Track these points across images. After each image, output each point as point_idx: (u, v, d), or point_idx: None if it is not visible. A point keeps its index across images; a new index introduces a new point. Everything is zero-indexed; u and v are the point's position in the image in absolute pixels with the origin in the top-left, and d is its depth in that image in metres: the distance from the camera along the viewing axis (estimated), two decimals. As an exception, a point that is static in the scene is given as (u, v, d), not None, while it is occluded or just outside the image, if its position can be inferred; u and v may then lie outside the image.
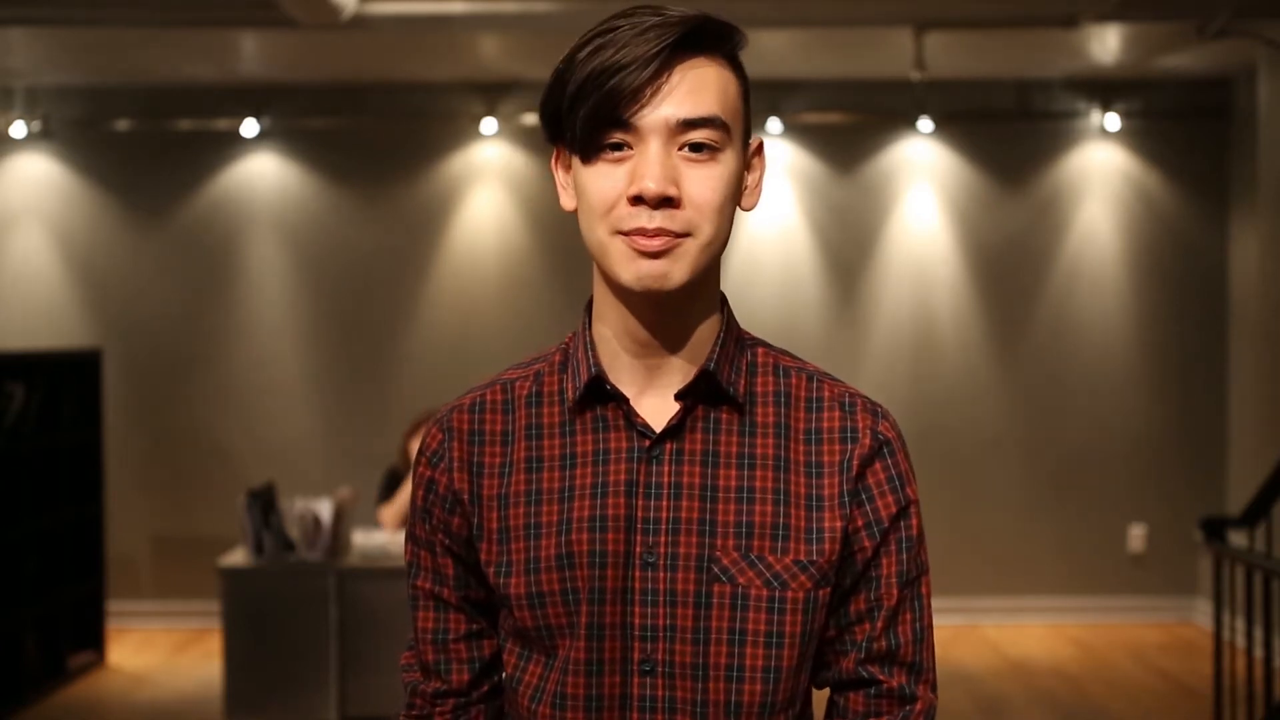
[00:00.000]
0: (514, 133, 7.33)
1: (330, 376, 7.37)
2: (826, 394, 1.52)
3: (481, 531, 1.50)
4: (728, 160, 1.45)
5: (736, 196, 1.53)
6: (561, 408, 1.50)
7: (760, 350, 1.56)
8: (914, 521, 1.55)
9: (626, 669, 1.44)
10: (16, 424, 6.03)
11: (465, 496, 1.50)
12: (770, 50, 6.62)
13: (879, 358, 7.35)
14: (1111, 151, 7.34)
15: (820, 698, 1.55)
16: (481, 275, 7.36)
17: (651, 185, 1.39)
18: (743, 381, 1.50)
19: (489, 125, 7.25)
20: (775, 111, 7.25)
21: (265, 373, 7.36)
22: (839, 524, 1.48)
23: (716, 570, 1.44)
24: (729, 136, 1.44)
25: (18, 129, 7.25)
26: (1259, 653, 4.72)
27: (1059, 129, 7.34)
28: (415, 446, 6.12)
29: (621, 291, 1.45)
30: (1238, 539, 4.81)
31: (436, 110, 7.33)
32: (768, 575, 1.44)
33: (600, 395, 1.47)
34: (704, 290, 1.50)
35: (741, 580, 1.44)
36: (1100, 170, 7.35)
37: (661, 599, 1.44)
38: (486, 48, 6.55)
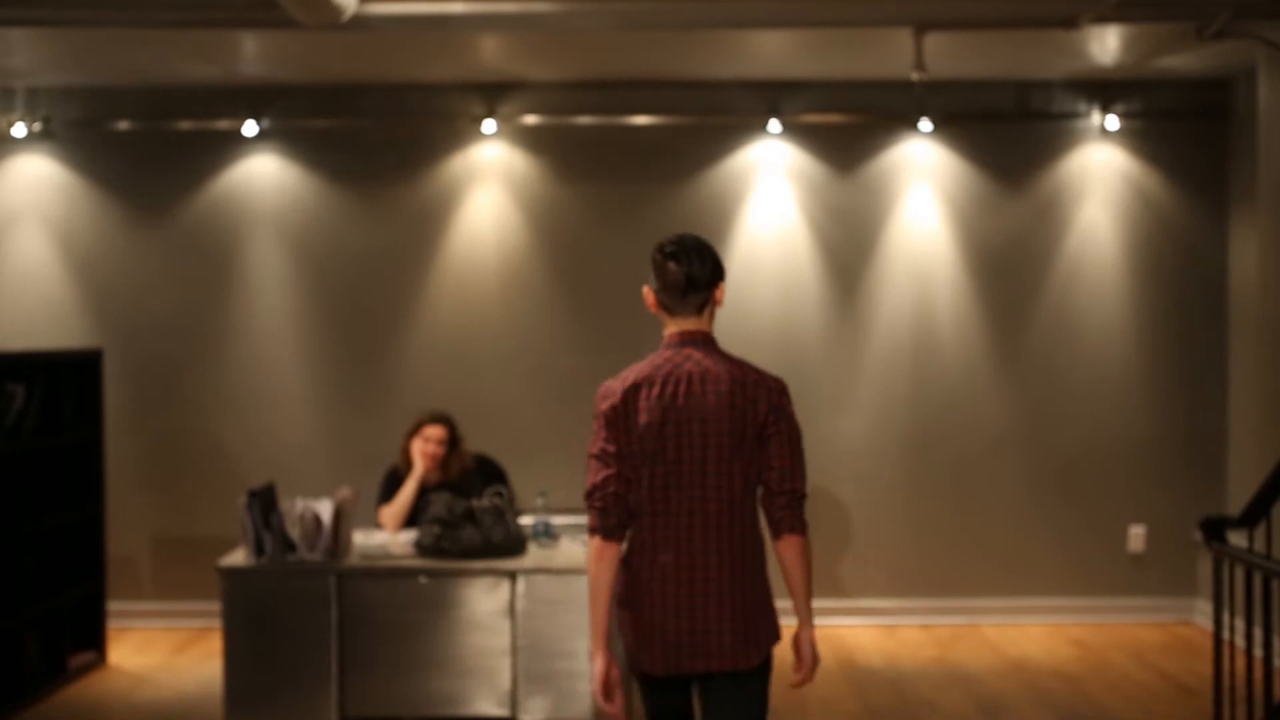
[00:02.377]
0: (514, 133, 7.34)
1: (330, 376, 7.37)
2: None
3: None
4: None
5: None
6: None
7: None
8: None
9: None
10: (17, 424, 6.03)
11: None
12: (770, 50, 6.62)
13: (879, 358, 7.35)
14: (1111, 152, 7.34)
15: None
16: (481, 275, 7.36)
17: None
18: None
19: (489, 125, 7.25)
20: (775, 111, 7.25)
21: (265, 373, 7.36)
22: None
23: None
24: None
25: (19, 129, 7.26)
26: (1259, 653, 4.73)
27: (1059, 129, 7.34)
28: (416, 446, 6.13)
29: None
30: (1237, 539, 4.80)
31: (436, 110, 7.33)
32: None
33: None
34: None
35: None
36: (1100, 171, 7.35)
37: None
38: (486, 48, 6.56)
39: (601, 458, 3.26)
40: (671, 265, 3.30)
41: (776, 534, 3.25)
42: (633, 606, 3.29)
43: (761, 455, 3.25)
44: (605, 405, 3.27)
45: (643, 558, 3.26)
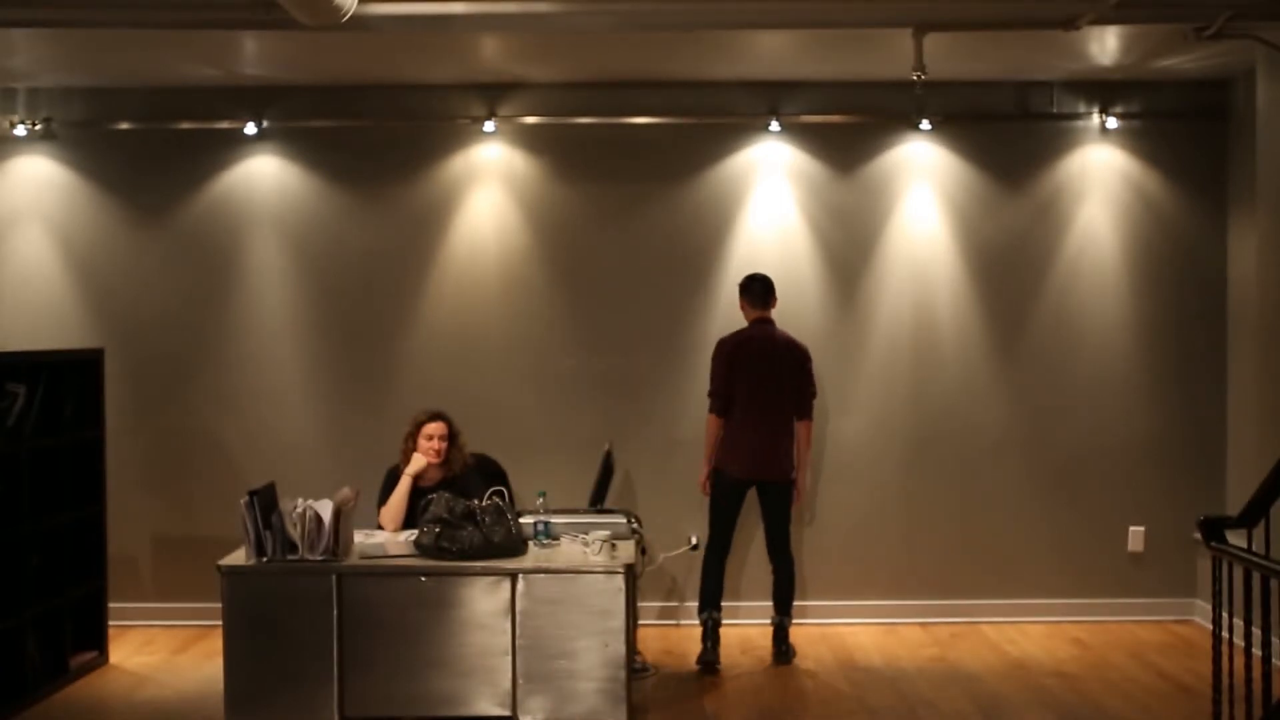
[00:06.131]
0: (514, 133, 7.34)
1: (331, 377, 7.38)
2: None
3: None
4: None
5: None
6: None
7: None
8: None
9: None
10: (18, 424, 6.04)
11: None
12: (770, 50, 6.63)
13: (879, 358, 7.36)
14: (1111, 152, 7.35)
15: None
16: (481, 275, 7.37)
17: None
18: None
19: (489, 125, 7.26)
20: (775, 112, 7.26)
21: (266, 373, 7.37)
22: None
23: None
24: None
25: (20, 130, 7.27)
26: (1258, 652, 4.73)
27: (1058, 130, 7.35)
28: (420, 447, 6.15)
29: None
30: (1236, 539, 4.81)
31: (436, 110, 7.34)
32: None
33: None
34: None
35: None
36: (1099, 171, 7.36)
37: None
38: (486, 48, 6.56)
39: (716, 378, 6.58)
40: (755, 284, 6.68)
41: (798, 418, 6.62)
42: (729, 447, 6.54)
43: (797, 381, 6.59)
44: (723, 351, 6.61)
45: (738, 425, 6.53)
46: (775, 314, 6.96)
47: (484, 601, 5.38)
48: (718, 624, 6.51)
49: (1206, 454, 7.34)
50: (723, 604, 6.57)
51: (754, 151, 7.33)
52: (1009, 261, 7.37)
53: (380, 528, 6.17)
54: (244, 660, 5.37)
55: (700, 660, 6.40)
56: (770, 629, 6.69)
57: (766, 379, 6.54)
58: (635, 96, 7.30)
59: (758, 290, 6.65)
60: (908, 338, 7.37)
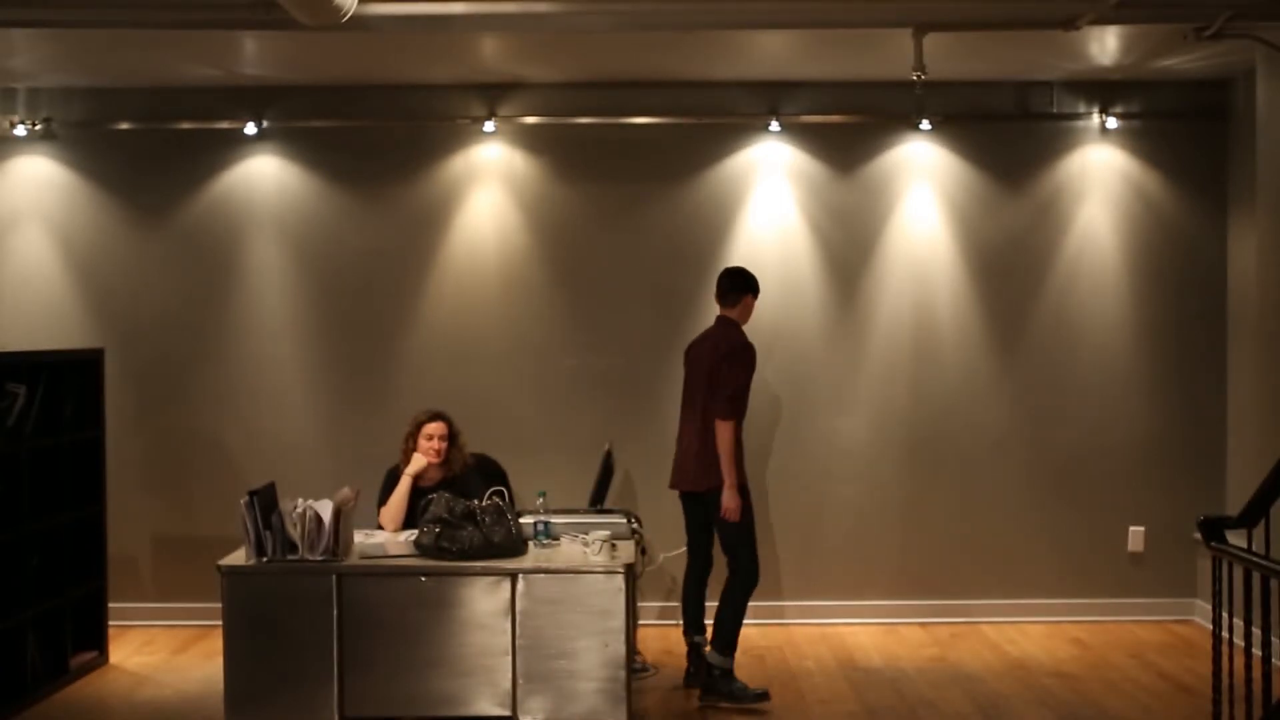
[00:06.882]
0: (514, 133, 7.34)
1: (331, 376, 7.38)
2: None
3: None
4: None
5: None
6: None
7: None
8: None
9: None
10: (18, 424, 6.04)
11: None
12: (770, 51, 6.63)
13: (879, 358, 7.36)
14: (1111, 152, 7.35)
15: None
16: (481, 275, 7.37)
17: None
18: None
19: (489, 125, 7.26)
20: (775, 112, 7.25)
21: (266, 373, 7.37)
22: None
23: None
24: None
25: (20, 130, 7.27)
26: (1258, 652, 4.73)
27: (1058, 130, 7.35)
28: (421, 447, 6.15)
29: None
30: (1236, 539, 4.81)
31: (436, 110, 7.34)
32: None
33: None
34: None
35: None
36: (1099, 171, 7.36)
37: None
38: (486, 48, 6.56)
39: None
40: (721, 279, 6.17)
41: (713, 419, 5.86)
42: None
43: (711, 379, 5.91)
44: None
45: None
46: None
47: (484, 601, 5.38)
48: (700, 647, 6.14)
49: (1206, 454, 7.34)
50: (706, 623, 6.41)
51: (754, 151, 7.33)
52: (1009, 261, 7.37)
53: (380, 528, 6.17)
54: (244, 660, 5.36)
55: (685, 683, 6.17)
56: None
57: (687, 384, 6.18)
58: (635, 96, 7.30)
59: (720, 286, 6.14)
60: (908, 338, 7.37)
